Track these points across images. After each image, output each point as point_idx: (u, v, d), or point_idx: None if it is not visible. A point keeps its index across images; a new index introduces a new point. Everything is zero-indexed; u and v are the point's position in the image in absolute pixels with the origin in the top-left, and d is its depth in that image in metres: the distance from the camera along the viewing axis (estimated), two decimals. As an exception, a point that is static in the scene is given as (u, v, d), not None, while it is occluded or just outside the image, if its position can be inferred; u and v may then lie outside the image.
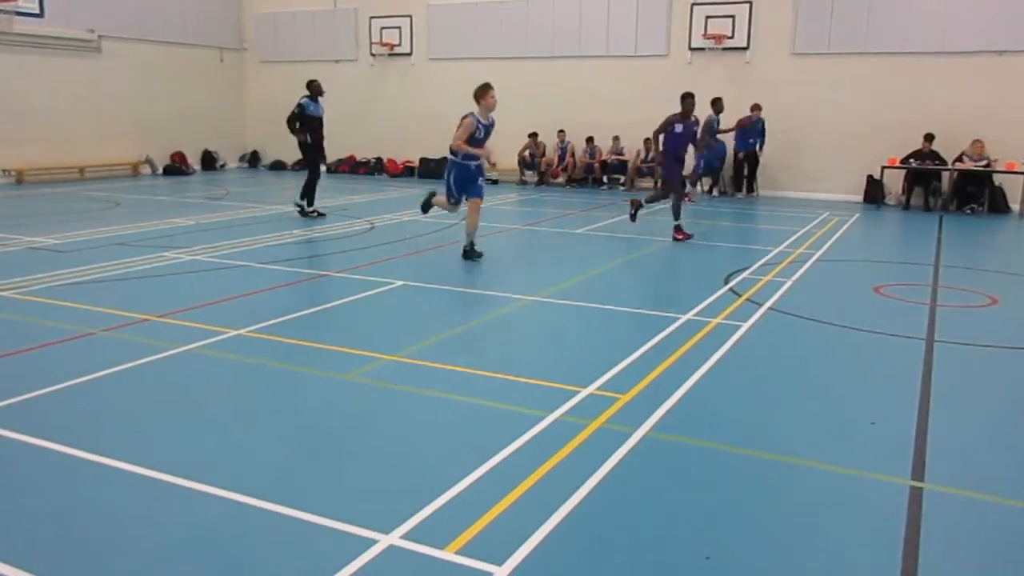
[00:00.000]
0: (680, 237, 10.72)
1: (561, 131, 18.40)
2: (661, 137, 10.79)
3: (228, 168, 21.98)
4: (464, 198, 9.06)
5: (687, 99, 10.61)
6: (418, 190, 17.17)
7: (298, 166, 14.95)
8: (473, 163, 8.81)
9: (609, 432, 4.25)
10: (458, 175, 8.94)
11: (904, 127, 15.44)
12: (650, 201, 11.59)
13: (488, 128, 8.74)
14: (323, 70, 21.29)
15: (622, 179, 18.25)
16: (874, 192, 15.83)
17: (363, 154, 21.17)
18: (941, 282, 8.44)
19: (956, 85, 15.26)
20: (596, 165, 18.39)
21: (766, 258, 9.48)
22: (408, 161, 20.68)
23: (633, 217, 11.55)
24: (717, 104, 15.61)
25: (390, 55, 20.61)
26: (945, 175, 15.36)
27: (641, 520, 3.39)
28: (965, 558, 3.18)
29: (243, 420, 4.47)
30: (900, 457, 4.04)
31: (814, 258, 9.60)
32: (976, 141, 14.78)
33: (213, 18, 21.54)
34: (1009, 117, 14.80)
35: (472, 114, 8.61)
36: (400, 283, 7.80)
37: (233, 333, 5.98)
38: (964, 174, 15.01)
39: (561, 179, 18.76)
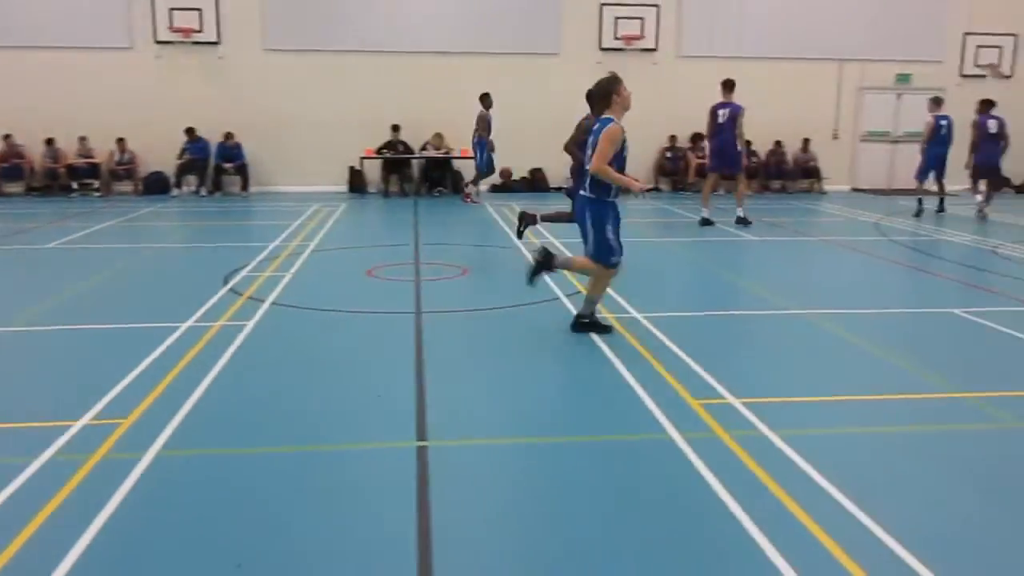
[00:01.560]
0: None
1: (7, 135, 15.98)
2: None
3: None
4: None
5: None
6: None
7: None
8: (615, 197, 5.90)
9: (114, 462, 3.85)
10: (618, 219, 5.94)
11: (375, 120, 16.71)
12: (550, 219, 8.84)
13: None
14: None
15: (95, 184, 16.51)
16: (357, 182, 16.95)
17: None
18: (422, 259, 9.39)
19: (414, 81, 16.99)
20: (61, 170, 16.37)
21: (264, 254, 9.49)
22: None
23: (520, 234, 8.83)
24: (487, 100, 14.83)
25: None
26: (415, 163, 17.14)
27: (164, 546, 3.16)
28: (470, 497, 3.61)
29: None
30: (405, 422, 4.41)
31: (309, 249, 9.91)
32: (437, 133, 16.74)
33: None
34: (459, 111, 16.94)
35: (612, 120, 5.75)
36: None
37: None
38: (430, 161, 16.94)
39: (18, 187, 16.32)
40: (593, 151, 5.72)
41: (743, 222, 11.96)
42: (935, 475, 3.92)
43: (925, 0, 17.86)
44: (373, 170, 17.11)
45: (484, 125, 14.73)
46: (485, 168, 15.23)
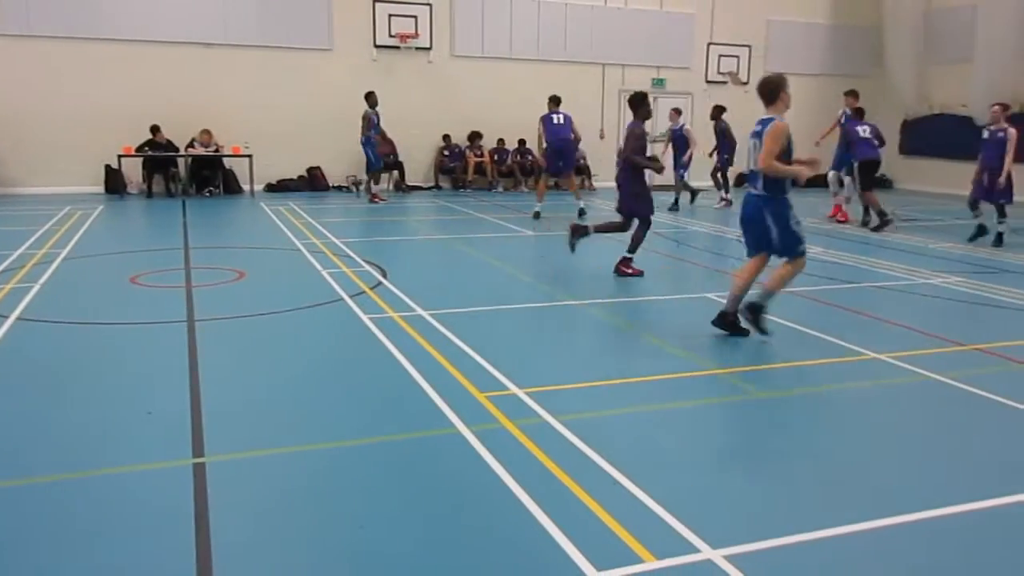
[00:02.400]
0: (631, 272, 8.57)
1: None
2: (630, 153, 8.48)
3: None
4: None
5: (645, 100, 8.44)
6: None
7: None
8: (789, 191, 5.96)
9: None
10: (793, 209, 5.98)
11: (134, 116, 15.43)
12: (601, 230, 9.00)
13: None
14: None
15: None
16: (115, 182, 15.57)
17: None
18: (193, 263, 8.83)
19: (176, 74, 15.90)
20: None
21: (6, 263, 8.50)
22: None
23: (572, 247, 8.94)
24: (372, 98, 14.94)
25: None
26: (181, 161, 16.04)
27: None
28: (254, 513, 3.44)
29: None
30: (180, 439, 4.13)
31: (61, 257, 8.98)
32: (204, 130, 15.79)
33: None
34: (226, 106, 16.11)
35: (776, 118, 5.81)
36: None
37: None
38: (198, 160, 15.94)
39: None
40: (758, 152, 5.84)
41: (583, 212, 13.30)
42: (699, 445, 4.29)
43: (675, 13, 19.42)
44: (134, 169, 15.81)
45: (368, 123, 15.07)
46: (377, 164, 15.50)
